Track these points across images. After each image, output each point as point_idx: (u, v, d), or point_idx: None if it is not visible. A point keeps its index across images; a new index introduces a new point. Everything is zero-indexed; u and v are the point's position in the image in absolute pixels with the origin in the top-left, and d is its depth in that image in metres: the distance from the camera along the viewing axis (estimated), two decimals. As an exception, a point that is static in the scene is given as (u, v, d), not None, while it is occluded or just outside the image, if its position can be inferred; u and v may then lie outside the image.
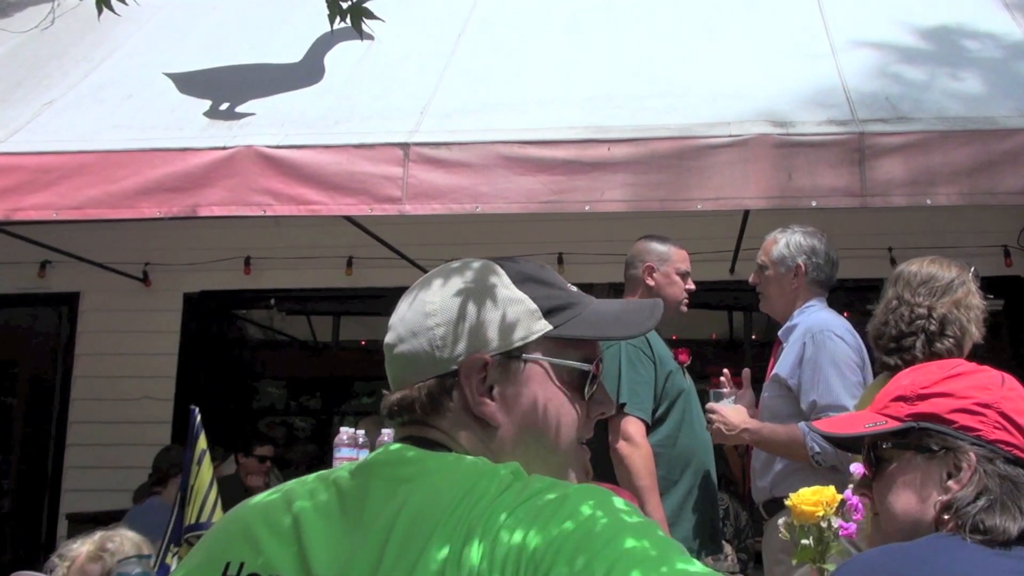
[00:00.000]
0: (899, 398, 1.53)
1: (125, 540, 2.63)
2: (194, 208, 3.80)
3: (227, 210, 3.83)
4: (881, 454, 1.52)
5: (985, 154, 3.52)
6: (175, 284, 6.66)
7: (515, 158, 3.73)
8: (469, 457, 1.05)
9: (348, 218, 4.85)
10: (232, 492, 5.59)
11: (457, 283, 1.12)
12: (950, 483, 1.44)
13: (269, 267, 6.57)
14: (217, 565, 1.04)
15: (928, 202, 3.59)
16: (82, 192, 3.86)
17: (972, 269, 2.78)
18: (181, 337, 6.72)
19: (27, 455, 6.94)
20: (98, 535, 2.66)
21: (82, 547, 2.64)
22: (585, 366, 1.13)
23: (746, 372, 3.44)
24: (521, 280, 1.13)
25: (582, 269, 6.08)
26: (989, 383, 1.51)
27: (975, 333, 2.68)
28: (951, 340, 2.61)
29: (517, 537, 0.90)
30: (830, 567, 2.02)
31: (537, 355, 1.10)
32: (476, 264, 1.16)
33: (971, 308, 2.68)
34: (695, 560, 0.89)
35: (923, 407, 1.49)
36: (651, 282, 3.62)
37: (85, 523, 5.54)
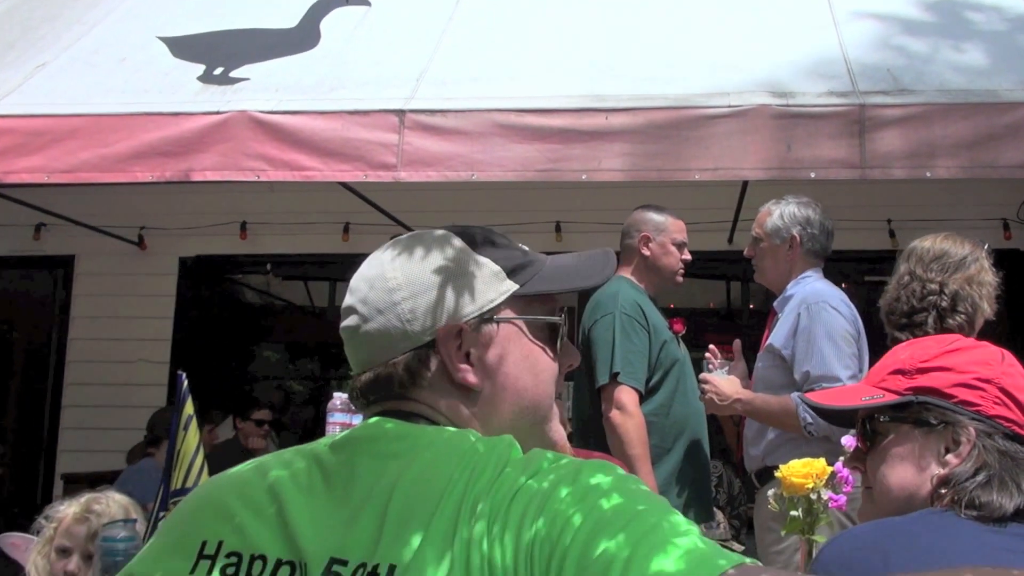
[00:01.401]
0: (897, 371, 1.52)
1: (112, 502, 2.63)
2: (187, 173, 3.77)
3: (220, 175, 3.80)
4: (877, 427, 1.51)
5: (986, 127, 3.49)
6: (171, 248, 6.66)
7: (511, 126, 3.70)
8: (458, 431, 1.05)
9: (344, 184, 4.82)
10: (232, 456, 5.63)
11: (417, 255, 1.12)
12: (948, 457, 1.43)
13: (265, 232, 6.56)
14: (192, 543, 1.02)
15: (928, 175, 3.56)
16: (74, 155, 3.83)
17: (986, 245, 2.76)
18: (176, 301, 6.74)
19: (23, 416, 6.97)
20: (85, 497, 2.67)
21: (68, 508, 2.64)
22: (555, 319, 1.16)
23: (737, 343, 3.43)
24: (478, 245, 1.14)
25: (579, 238, 6.07)
26: (989, 358, 1.50)
27: (987, 310, 2.66)
28: (963, 316, 2.60)
29: (533, 519, 0.89)
30: (819, 539, 2.03)
31: (509, 315, 1.12)
32: (430, 234, 1.16)
33: (983, 285, 2.66)
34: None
35: (922, 381, 1.48)
36: (647, 252, 3.60)
37: (80, 483, 5.58)
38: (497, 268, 1.12)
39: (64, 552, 2.59)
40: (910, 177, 3.65)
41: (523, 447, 1.02)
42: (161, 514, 2.05)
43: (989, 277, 2.69)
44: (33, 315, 7.10)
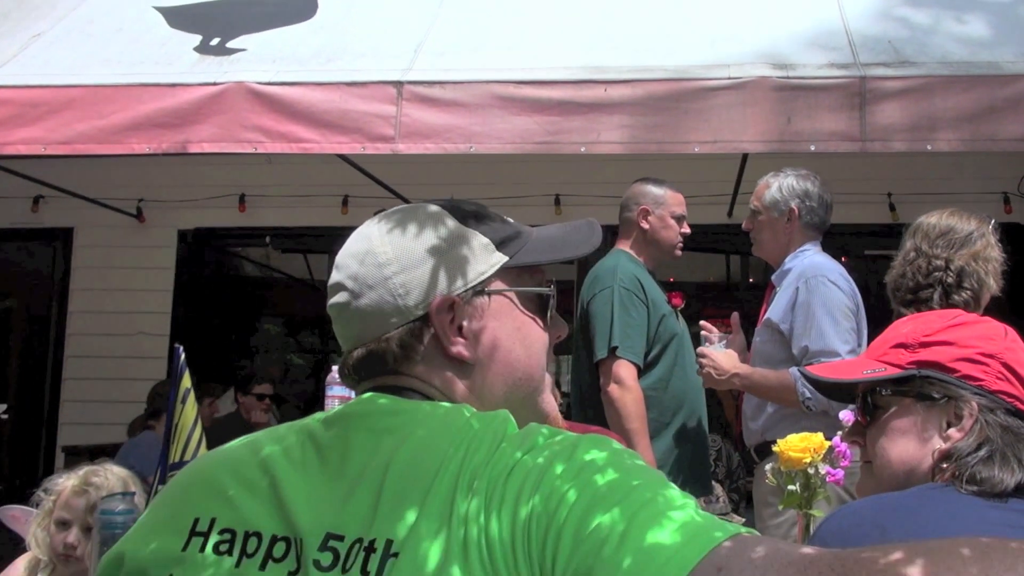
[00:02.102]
0: (899, 345, 1.51)
1: (111, 475, 2.64)
2: (184, 144, 3.75)
3: (217, 147, 3.78)
4: (878, 401, 1.51)
5: (988, 99, 3.47)
6: (169, 221, 6.64)
7: (510, 98, 3.67)
8: (453, 406, 1.05)
9: (343, 157, 4.79)
10: (234, 430, 5.65)
11: (406, 229, 1.12)
12: (951, 431, 1.43)
13: (264, 205, 6.55)
14: (184, 520, 1.01)
15: (928, 148, 3.54)
16: (71, 127, 3.81)
17: (992, 221, 2.75)
18: (176, 274, 6.73)
19: (24, 389, 6.98)
20: (84, 470, 2.67)
21: (67, 481, 2.65)
22: (545, 289, 1.16)
23: (735, 316, 3.42)
24: (465, 217, 1.14)
25: (579, 211, 6.04)
26: (992, 333, 1.50)
27: (993, 286, 2.65)
28: (968, 292, 2.59)
29: (529, 495, 0.89)
30: (817, 513, 2.03)
31: (500, 287, 1.12)
32: (416, 208, 1.15)
33: (989, 260, 2.65)
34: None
35: (925, 355, 1.48)
36: (646, 225, 3.59)
37: (81, 456, 5.60)
38: (486, 240, 1.12)
39: (63, 524, 2.60)
40: (910, 150, 3.63)
41: (515, 419, 1.02)
42: (160, 487, 2.05)
43: (995, 253, 2.68)
44: (33, 287, 7.10)
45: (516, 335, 1.13)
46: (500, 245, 1.13)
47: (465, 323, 1.09)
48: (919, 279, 2.63)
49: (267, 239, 7.04)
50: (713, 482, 4.88)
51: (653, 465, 3.27)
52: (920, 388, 1.47)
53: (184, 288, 6.74)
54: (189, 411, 2.10)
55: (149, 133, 3.78)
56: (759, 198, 3.41)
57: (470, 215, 1.14)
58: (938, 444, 1.44)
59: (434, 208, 1.15)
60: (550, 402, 1.19)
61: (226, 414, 5.93)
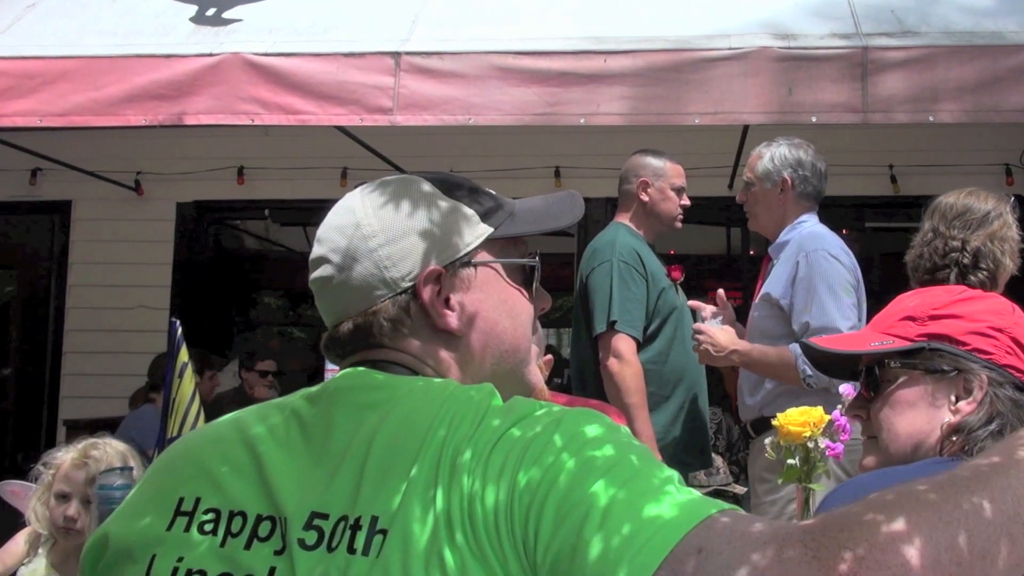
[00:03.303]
0: (907, 318, 1.50)
1: (109, 448, 2.64)
2: (180, 116, 3.73)
3: (214, 119, 3.76)
4: (885, 374, 1.50)
5: (991, 70, 3.44)
6: (168, 193, 6.61)
7: (509, 69, 3.64)
8: (437, 380, 1.04)
9: (341, 128, 4.76)
10: (237, 404, 5.66)
11: (390, 201, 1.10)
12: (961, 405, 1.42)
13: (263, 177, 6.51)
14: (169, 500, 1.01)
15: (931, 119, 3.51)
16: (66, 99, 3.78)
17: (1011, 200, 2.73)
18: (175, 247, 6.71)
19: (24, 363, 6.99)
20: (82, 443, 2.68)
21: (66, 455, 2.65)
22: (531, 261, 1.16)
23: (720, 292, 3.37)
24: (449, 189, 1.13)
25: (579, 183, 6.01)
26: (1001, 308, 1.50)
27: (1010, 266, 2.64)
28: (984, 273, 2.58)
29: (517, 469, 0.88)
30: (816, 487, 2.03)
31: (486, 258, 1.11)
32: (399, 180, 1.14)
33: (1006, 240, 2.64)
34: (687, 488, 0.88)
35: (935, 328, 1.47)
36: (645, 197, 3.57)
37: (82, 430, 5.61)
38: (470, 212, 1.11)
39: (63, 497, 2.61)
40: (912, 121, 3.61)
41: (501, 392, 1.01)
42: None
43: (1012, 232, 2.66)
44: (32, 261, 7.08)
45: (502, 307, 1.12)
46: (484, 216, 1.12)
47: (452, 295, 1.08)
48: (936, 260, 2.63)
49: (266, 212, 7.02)
50: (713, 455, 4.89)
51: (653, 439, 3.28)
52: (929, 360, 1.46)
53: (183, 261, 6.72)
54: (187, 385, 2.10)
55: (145, 105, 3.76)
56: (751, 169, 3.37)
57: (453, 186, 1.13)
58: (947, 417, 1.43)
59: (417, 180, 1.13)
60: (536, 374, 1.18)
61: (229, 388, 5.93)
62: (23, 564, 2.65)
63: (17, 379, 7.08)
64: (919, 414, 1.45)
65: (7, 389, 7.20)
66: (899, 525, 0.77)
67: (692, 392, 3.51)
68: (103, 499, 1.97)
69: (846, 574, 0.74)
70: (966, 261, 2.59)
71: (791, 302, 3.14)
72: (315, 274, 1.11)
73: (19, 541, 2.69)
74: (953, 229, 2.63)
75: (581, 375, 3.54)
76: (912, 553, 0.75)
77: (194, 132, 5.59)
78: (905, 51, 3.49)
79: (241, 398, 5.74)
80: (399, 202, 1.09)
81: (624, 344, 3.29)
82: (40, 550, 2.65)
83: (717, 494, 5.23)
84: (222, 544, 0.95)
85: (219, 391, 5.81)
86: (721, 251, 7.84)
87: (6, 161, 6.12)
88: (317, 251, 1.12)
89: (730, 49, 3.57)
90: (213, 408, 5.07)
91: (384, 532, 0.88)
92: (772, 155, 3.31)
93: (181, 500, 1.00)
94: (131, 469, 2.10)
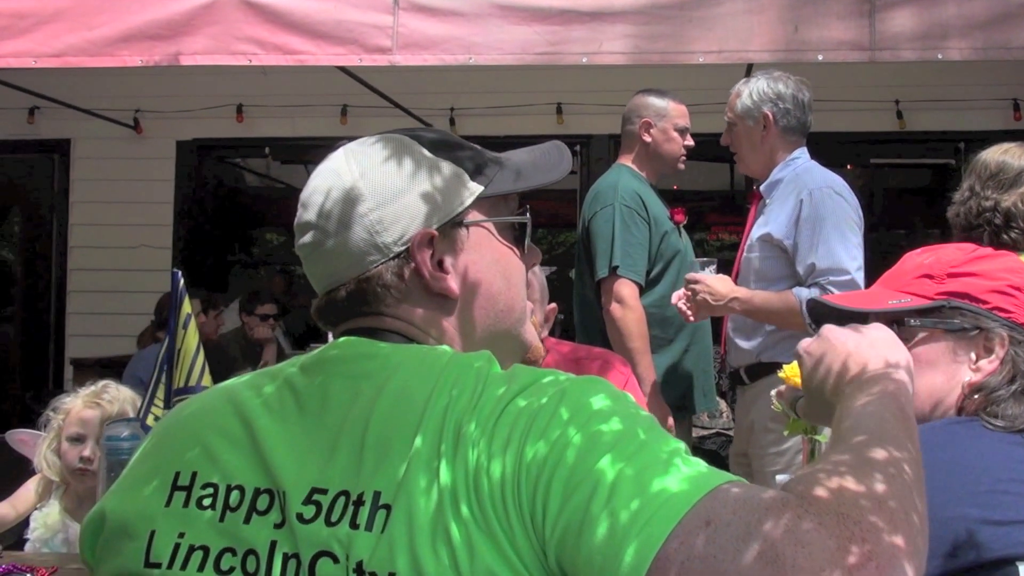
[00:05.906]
0: (925, 276, 1.48)
1: (120, 392, 2.67)
2: (176, 56, 3.67)
3: (211, 59, 3.70)
4: (903, 333, 1.46)
5: (1001, 5, 3.35)
6: (167, 132, 6.57)
7: (510, 7, 3.57)
8: (432, 347, 1.03)
9: (341, 67, 4.70)
10: (239, 345, 5.71)
11: (376, 162, 1.07)
12: (982, 363, 1.42)
13: (262, 115, 6.46)
14: (165, 475, 1.00)
15: (939, 57, 3.44)
16: (60, 39, 3.72)
17: None
18: (176, 185, 6.68)
19: (29, 302, 7.02)
20: (91, 388, 2.70)
21: (76, 400, 2.67)
22: (523, 218, 1.14)
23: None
24: (436, 147, 1.09)
25: (581, 120, 5.96)
26: (1018, 267, 1.48)
27: None
28: (1017, 232, 2.55)
29: (524, 440, 0.87)
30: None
31: (478, 217, 1.09)
32: (385, 139, 1.10)
33: None
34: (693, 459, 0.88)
35: (955, 286, 1.45)
36: (648, 138, 3.54)
37: (90, 368, 5.67)
38: (459, 170, 1.08)
39: (77, 439, 2.62)
40: (920, 59, 3.54)
41: (497, 352, 1.01)
42: (164, 411, 2.07)
43: None
44: (33, 200, 7.06)
45: (496, 267, 1.10)
46: (474, 174, 1.09)
47: (446, 257, 1.06)
48: (971, 219, 2.61)
49: (266, 150, 6.97)
50: (717, 397, 4.91)
51: (655, 384, 3.29)
52: (950, 318, 1.44)
53: (184, 200, 6.70)
54: (191, 337, 2.10)
55: (140, 45, 3.69)
56: (732, 109, 3.28)
57: (439, 144, 1.10)
58: (968, 376, 1.42)
59: (401, 138, 1.09)
60: (531, 332, 1.17)
61: (232, 329, 5.96)
62: (36, 509, 2.69)
63: (23, 319, 7.11)
64: (939, 373, 1.44)
65: (13, 329, 7.24)
66: (880, 486, 0.85)
67: (696, 334, 3.51)
68: (111, 450, 1.98)
69: (858, 544, 0.77)
70: (998, 221, 2.57)
71: (795, 242, 3.03)
72: (302, 240, 1.09)
73: (29, 488, 2.72)
74: (987, 189, 2.59)
75: (584, 321, 3.55)
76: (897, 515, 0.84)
77: (192, 70, 5.48)
78: (914, -14, 3.41)
79: (243, 339, 5.79)
80: (386, 163, 1.06)
81: (626, 289, 3.28)
82: (52, 497, 2.68)
83: (719, 436, 5.27)
84: (221, 519, 0.95)
85: (223, 330, 5.84)
86: (725, 187, 7.79)
87: (3, 100, 6.07)
88: (302, 216, 1.09)
89: (735, -15, 3.49)
90: (217, 349, 5.11)
91: (388, 507, 0.88)
92: (750, 91, 3.23)
93: (178, 474, 0.99)
94: (139, 420, 2.12)
